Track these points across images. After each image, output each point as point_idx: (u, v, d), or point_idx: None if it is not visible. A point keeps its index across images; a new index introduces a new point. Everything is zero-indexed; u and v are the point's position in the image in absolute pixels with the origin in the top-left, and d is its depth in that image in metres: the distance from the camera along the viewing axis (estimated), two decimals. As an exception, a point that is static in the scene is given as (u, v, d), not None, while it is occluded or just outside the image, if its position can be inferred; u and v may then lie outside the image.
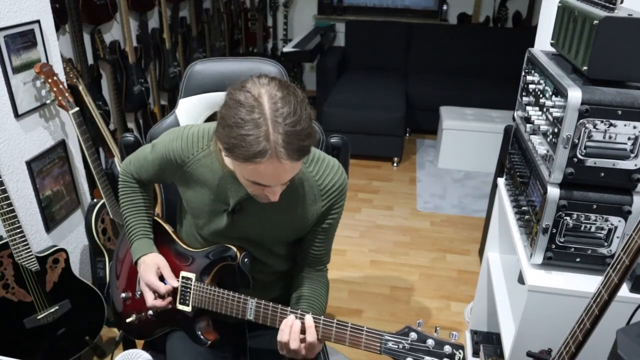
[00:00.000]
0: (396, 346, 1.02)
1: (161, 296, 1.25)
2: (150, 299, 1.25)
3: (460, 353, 0.99)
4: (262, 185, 1.04)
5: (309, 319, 1.10)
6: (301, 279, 1.33)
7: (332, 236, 1.32)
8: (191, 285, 1.25)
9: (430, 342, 1.01)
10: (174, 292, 1.27)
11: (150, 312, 1.32)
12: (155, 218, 1.39)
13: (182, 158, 1.20)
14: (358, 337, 1.06)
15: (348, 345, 1.08)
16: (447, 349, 1.00)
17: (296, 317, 1.12)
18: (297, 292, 1.32)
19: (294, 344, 1.10)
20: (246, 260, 1.23)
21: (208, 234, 1.28)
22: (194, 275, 1.25)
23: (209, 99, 1.50)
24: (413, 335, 1.02)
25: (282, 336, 1.11)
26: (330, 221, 1.27)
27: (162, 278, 1.27)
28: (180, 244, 1.33)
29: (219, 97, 1.46)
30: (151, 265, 1.27)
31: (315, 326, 1.10)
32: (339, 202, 1.25)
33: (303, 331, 1.10)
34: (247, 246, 1.26)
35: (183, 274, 1.26)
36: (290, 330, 1.10)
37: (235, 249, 1.23)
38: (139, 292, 1.34)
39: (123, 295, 1.37)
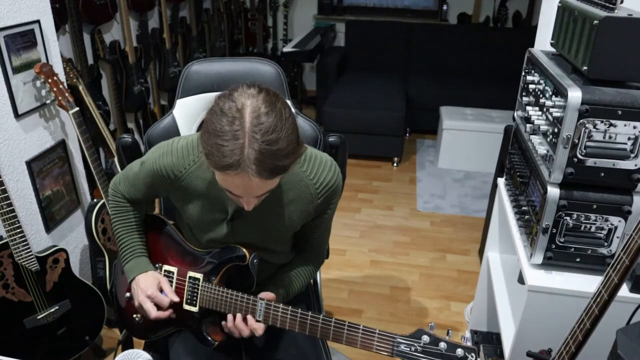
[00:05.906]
0: (408, 349, 1.02)
1: (162, 308, 1.25)
2: (153, 311, 1.23)
3: (472, 356, 0.99)
4: (235, 195, 1.04)
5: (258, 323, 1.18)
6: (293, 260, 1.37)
7: (328, 227, 1.35)
8: (199, 285, 1.24)
9: (442, 345, 1.01)
10: (174, 305, 1.26)
11: None
12: (162, 217, 1.39)
13: (174, 173, 1.19)
14: (370, 339, 1.06)
15: (359, 347, 1.07)
16: (460, 352, 1.00)
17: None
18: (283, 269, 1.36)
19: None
20: (255, 261, 1.22)
21: (208, 241, 1.27)
22: (202, 275, 1.25)
23: (206, 100, 1.49)
24: (425, 338, 1.02)
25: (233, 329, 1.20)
26: (325, 215, 1.29)
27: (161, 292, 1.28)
28: (187, 244, 1.32)
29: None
30: (152, 279, 1.27)
31: (326, 328, 1.12)
32: (335, 197, 1.26)
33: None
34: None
35: (190, 274, 1.26)
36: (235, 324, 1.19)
37: (244, 250, 1.22)
38: None
39: (128, 294, 1.37)
